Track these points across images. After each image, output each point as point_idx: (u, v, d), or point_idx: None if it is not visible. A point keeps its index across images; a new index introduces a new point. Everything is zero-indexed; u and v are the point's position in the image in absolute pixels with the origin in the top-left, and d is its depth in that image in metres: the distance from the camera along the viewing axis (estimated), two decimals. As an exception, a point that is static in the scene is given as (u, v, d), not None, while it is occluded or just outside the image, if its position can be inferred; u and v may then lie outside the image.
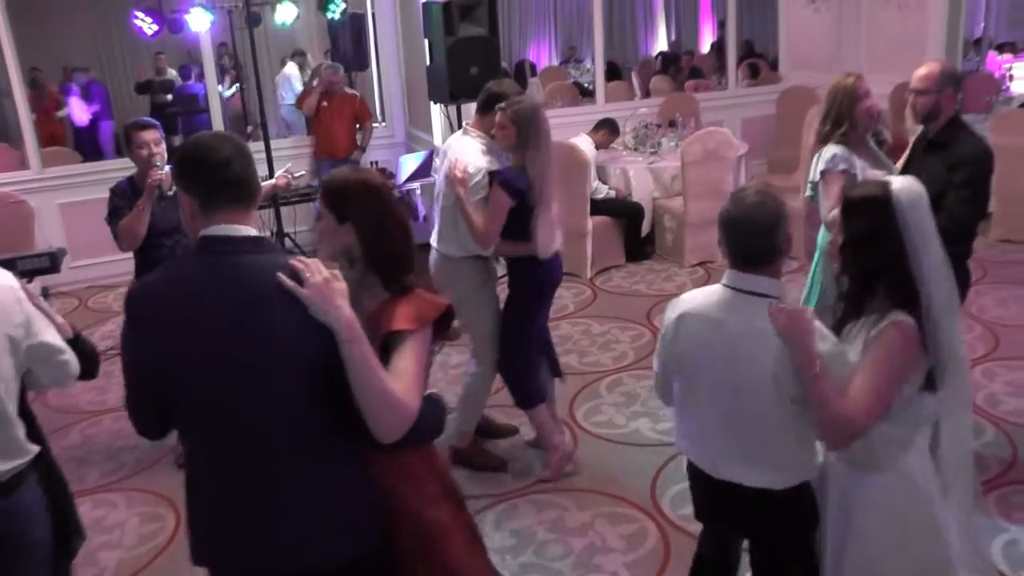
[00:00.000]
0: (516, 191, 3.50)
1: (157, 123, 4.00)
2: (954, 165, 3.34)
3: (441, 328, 2.08)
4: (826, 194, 3.46)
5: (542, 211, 3.54)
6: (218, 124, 7.42)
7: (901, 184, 2.14)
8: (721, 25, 11.86)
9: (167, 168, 3.83)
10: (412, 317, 1.98)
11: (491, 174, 3.60)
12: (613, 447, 4.16)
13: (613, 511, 3.63)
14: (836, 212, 2.39)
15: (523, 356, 3.87)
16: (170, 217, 3.63)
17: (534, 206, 3.53)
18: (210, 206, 1.84)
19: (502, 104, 3.57)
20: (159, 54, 9.39)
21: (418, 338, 1.96)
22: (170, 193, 3.81)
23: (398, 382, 1.85)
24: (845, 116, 3.52)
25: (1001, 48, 11.13)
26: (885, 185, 2.15)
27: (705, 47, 12.39)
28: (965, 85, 8.57)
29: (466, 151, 3.72)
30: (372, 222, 2.07)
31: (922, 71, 3.47)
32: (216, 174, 1.82)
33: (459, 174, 3.58)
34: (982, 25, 11.55)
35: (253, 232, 1.86)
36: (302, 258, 1.83)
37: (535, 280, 3.77)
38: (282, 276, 1.76)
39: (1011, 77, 9.42)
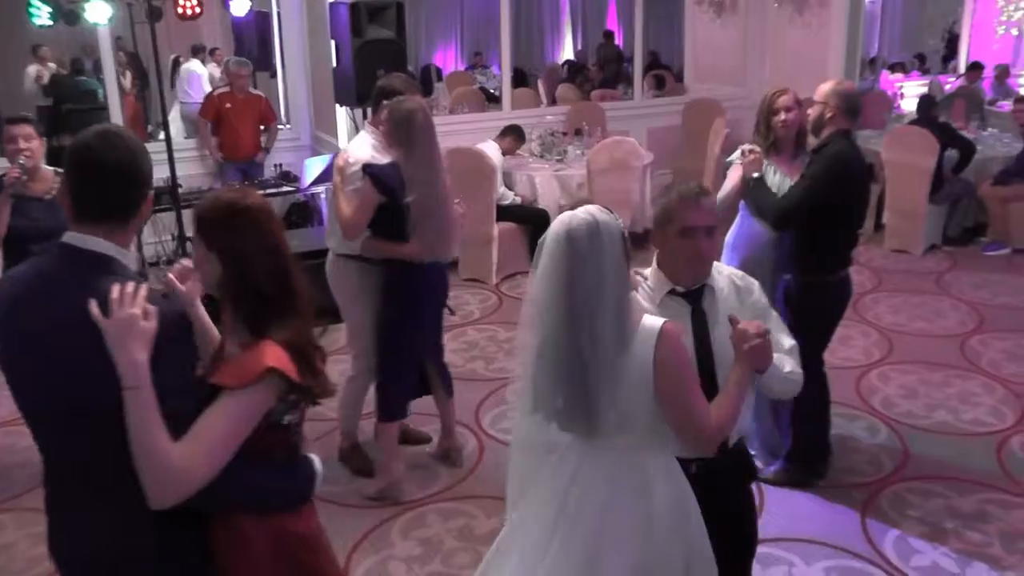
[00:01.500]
0: (384, 187, 3.52)
1: (32, 119, 3.83)
2: (809, 164, 3.63)
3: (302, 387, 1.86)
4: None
5: (423, 215, 3.53)
6: (117, 123, 7.15)
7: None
8: (607, 35, 12.29)
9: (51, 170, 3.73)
10: (236, 372, 1.77)
11: (365, 167, 3.62)
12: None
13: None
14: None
15: (390, 366, 3.80)
16: (44, 224, 3.48)
17: (408, 206, 3.52)
18: (78, 212, 1.77)
19: (386, 101, 3.66)
20: (39, 47, 8.94)
21: (237, 397, 1.74)
22: (47, 197, 3.66)
23: (189, 443, 1.68)
24: (765, 127, 3.81)
25: (893, 68, 11.90)
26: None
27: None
28: (862, 102, 9.16)
29: (354, 145, 3.86)
30: (234, 252, 1.84)
31: (820, 85, 3.73)
32: (89, 178, 1.76)
33: (340, 163, 3.70)
34: (876, 45, 12.29)
35: (103, 248, 1.75)
36: (127, 287, 1.67)
37: (408, 287, 3.69)
38: (93, 304, 1.64)
39: (902, 95, 10.08)
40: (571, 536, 2.15)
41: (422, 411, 4.23)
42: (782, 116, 3.73)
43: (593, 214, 2.01)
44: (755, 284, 2.41)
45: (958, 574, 3.32)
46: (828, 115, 3.60)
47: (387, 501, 3.83)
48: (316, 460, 2.04)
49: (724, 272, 2.40)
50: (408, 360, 3.82)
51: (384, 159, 3.67)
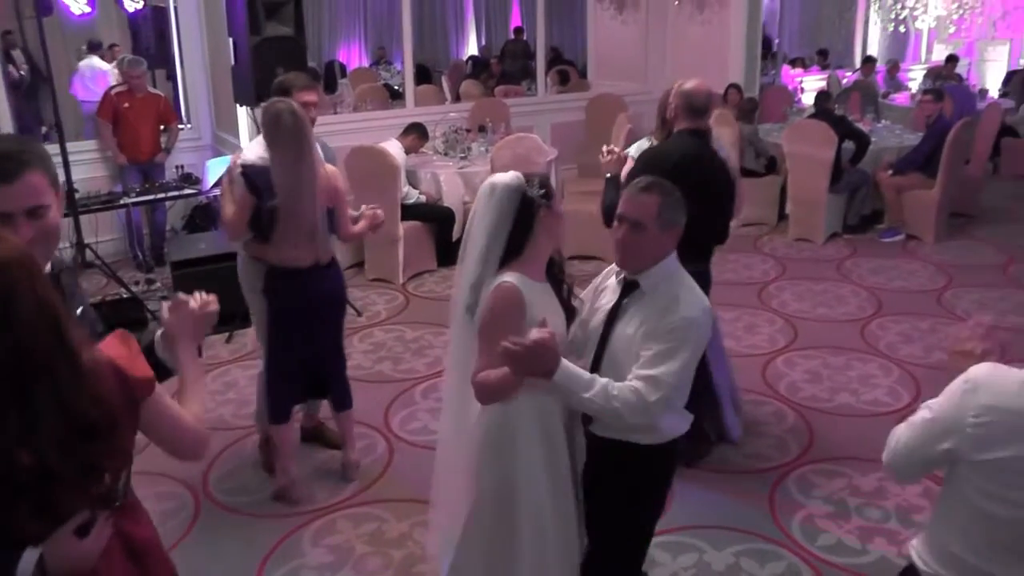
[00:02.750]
0: (252, 186, 3.51)
1: None
2: None
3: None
4: None
5: (284, 219, 3.49)
6: (6, 125, 6.77)
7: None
8: (517, 31, 12.39)
9: None
10: None
11: (243, 167, 3.59)
12: (430, 454, 4.16)
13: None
14: None
15: (268, 369, 3.83)
16: None
17: (274, 208, 3.49)
18: None
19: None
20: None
21: None
22: None
23: None
24: (662, 121, 4.01)
25: (793, 63, 12.36)
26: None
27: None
28: (763, 97, 9.51)
29: (250, 145, 3.86)
30: None
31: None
32: None
33: (231, 164, 3.68)
34: (776, 41, 12.74)
35: None
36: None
37: (275, 290, 3.69)
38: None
39: (802, 89, 10.48)
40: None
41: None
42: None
43: (499, 178, 2.44)
44: (685, 313, 2.29)
45: (860, 550, 3.46)
46: (671, 115, 3.81)
47: (287, 502, 3.81)
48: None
49: (674, 285, 2.38)
50: (283, 364, 3.79)
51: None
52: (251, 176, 3.51)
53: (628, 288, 2.42)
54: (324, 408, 4.20)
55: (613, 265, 2.53)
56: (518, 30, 12.75)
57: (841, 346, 5.34)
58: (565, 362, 2.19)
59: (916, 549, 1.98)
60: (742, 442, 4.22)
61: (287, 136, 3.44)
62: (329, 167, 3.66)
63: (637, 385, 2.24)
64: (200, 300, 1.96)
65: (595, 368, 2.39)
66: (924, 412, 1.88)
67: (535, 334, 2.12)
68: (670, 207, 2.36)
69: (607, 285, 2.53)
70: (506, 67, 11.29)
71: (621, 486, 2.49)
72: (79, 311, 1.89)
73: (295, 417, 4.05)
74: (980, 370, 1.78)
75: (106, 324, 2.00)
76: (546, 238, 2.44)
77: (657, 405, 2.25)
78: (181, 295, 1.95)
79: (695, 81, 3.77)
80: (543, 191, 2.41)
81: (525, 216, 2.37)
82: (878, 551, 3.45)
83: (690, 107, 3.71)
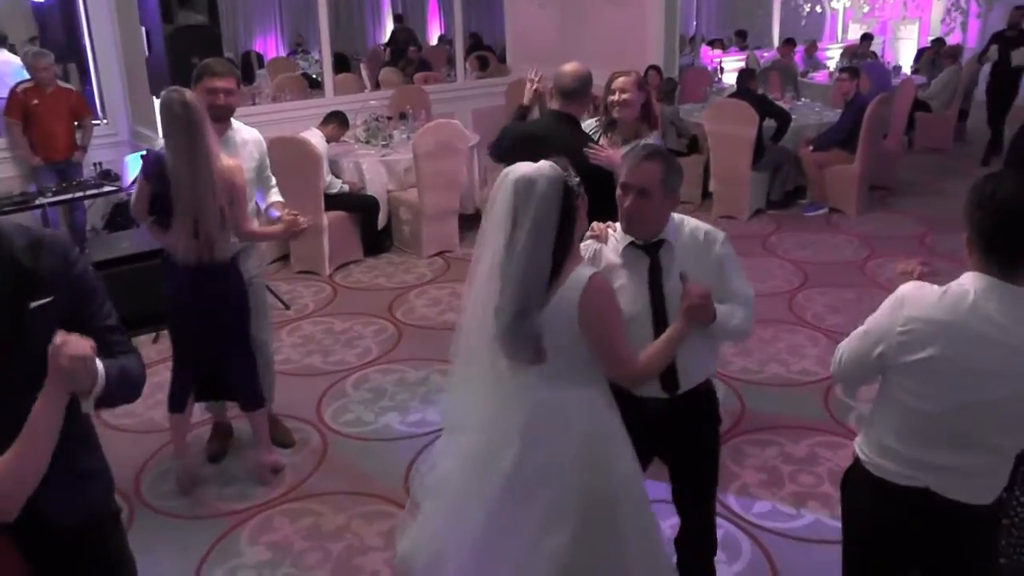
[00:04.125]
0: (145, 171, 3.58)
1: None
2: None
3: None
4: None
5: (176, 210, 3.46)
6: None
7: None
8: (398, 18, 12.29)
9: None
10: None
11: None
12: (363, 445, 4.21)
13: (369, 510, 3.69)
14: None
15: (173, 354, 3.87)
16: None
17: (166, 195, 3.47)
18: None
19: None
20: None
21: None
22: None
23: None
24: (604, 107, 4.03)
25: (713, 44, 12.62)
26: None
27: (434, 39, 12.80)
28: (684, 78, 9.69)
29: None
30: None
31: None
32: None
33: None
34: (694, 23, 12.99)
35: None
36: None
37: (167, 281, 3.69)
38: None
39: (722, 70, 10.71)
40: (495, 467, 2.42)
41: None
42: (616, 96, 3.88)
43: (538, 168, 2.30)
44: (720, 236, 2.59)
45: (794, 515, 3.60)
46: (548, 97, 3.95)
47: (315, 486, 3.89)
48: None
49: (688, 226, 2.59)
50: (179, 356, 3.79)
51: None
52: (147, 161, 3.61)
53: (654, 249, 2.53)
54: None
55: (590, 242, 2.61)
56: (399, 17, 12.74)
57: (769, 319, 5.50)
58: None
59: (859, 444, 2.26)
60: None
61: (176, 126, 3.40)
62: (230, 161, 3.56)
63: (745, 304, 2.57)
64: (66, 342, 1.63)
65: (663, 327, 2.50)
66: (861, 328, 2.19)
67: (698, 288, 2.39)
68: (672, 174, 2.50)
69: (604, 266, 2.55)
70: (393, 55, 11.33)
71: (705, 434, 2.76)
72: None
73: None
74: (906, 288, 2.08)
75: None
76: (581, 228, 2.46)
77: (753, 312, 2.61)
78: (60, 335, 1.65)
79: (572, 64, 3.84)
80: (578, 179, 2.38)
81: (569, 209, 2.31)
82: (812, 514, 3.59)
83: (558, 89, 3.81)
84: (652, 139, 3.78)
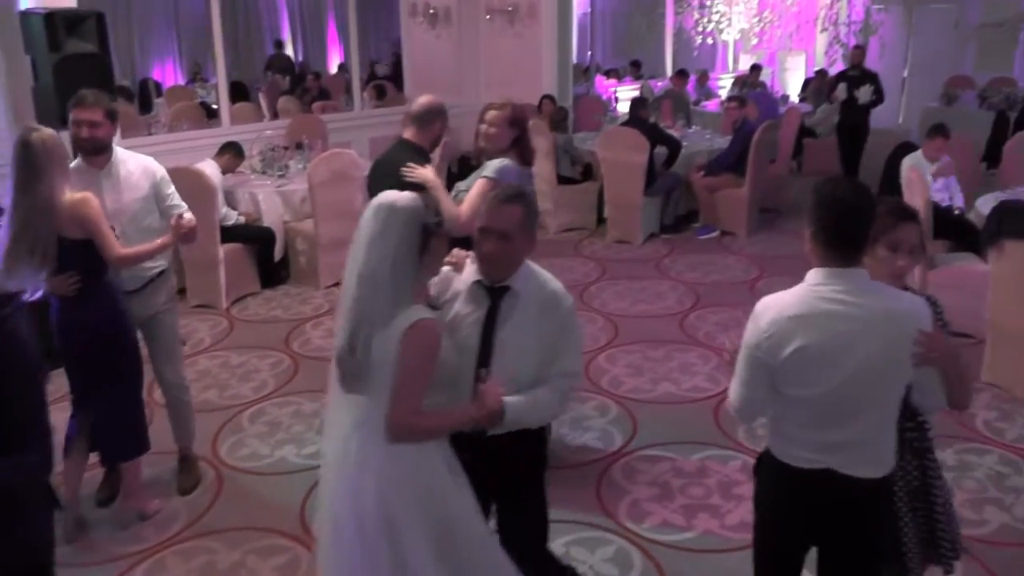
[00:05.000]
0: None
1: None
2: None
3: None
4: None
5: (17, 249, 3.37)
6: None
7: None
8: (278, 44, 12.29)
9: None
10: None
11: None
12: (259, 479, 4.17)
13: (264, 544, 3.65)
14: None
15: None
16: None
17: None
18: None
19: None
20: None
21: None
22: None
23: None
24: (476, 137, 4.10)
25: (608, 74, 12.99)
26: None
27: (333, 68, 12.79)
28: (578, 107, 9.95)
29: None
30: None
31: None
32: None
33: None
34: (589, 53, 13.35)
35: None
36: None
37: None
38: None
39: (617, 99, 11.03)
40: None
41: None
42: (483, 128, 3.97)
43: (398, 197, 2.32)
44: (566, 301, 2.54)
45: (685, 526, 3.72)
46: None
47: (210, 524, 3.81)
48: None
49: (540, 279, 2.55)
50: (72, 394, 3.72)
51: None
52: None
53: (498, 293, 2.48)
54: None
55: (443, 274, 2.57)
56: (278, 43, 12.72)
57: (661, 339, 5.68)
58: (507, 399, 2.39)
59: (768, 437, 2.45)
60: (568, 437, 4.44)
61: (13, 165, 3.36)
62: (76, 195, 3.42)
63: (558, 383, 2.51)
64: None
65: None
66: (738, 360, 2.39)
67: (490, 396, 2.37)
68: (531, 215, 2.50)
69: (451, 295, 2.55)
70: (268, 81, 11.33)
71: (522, 478, 2.70)
72: None
73: None
74: (760, 303, 2.31)
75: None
76: (433, 265, 2.45)
77: (573, 391, 2.54)
78: None
79: (427, 96, 4.08)
80: (438, 218, 2.39)
81: (423, 243, 2.32)
82: (702, 526, 3.71)
83: (408, 117, 4.02)
84: (491, 170, 3.75)
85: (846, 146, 9.69)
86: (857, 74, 9.44)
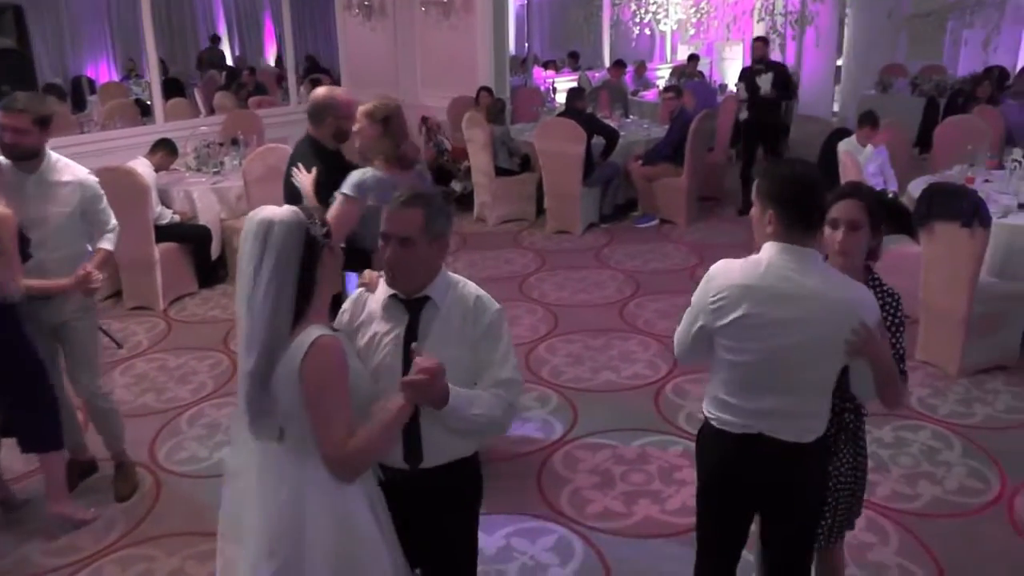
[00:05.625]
0: None
1: None
2: None
3: None
4: None
5: None
6: None
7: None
8: (213, 39, 12.17)
9: None
10: None
11: None
12: (198, 482, 4.09)
13: (203, 549, 3.55)
14: None
15: None
16: None
17: None
18: None
19: None
20: None
21: None
22: None
23: None
24: None
25: (546, 65, 12.98)
26: None
27: (271, 62, 12.59)
28: (516, 98, 9.93)
29: None
30: None
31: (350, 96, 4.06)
32: None
33: None
34: (526, 45, 13.32)
35: None
36: None
37: None
38: None
39: (554, 90, 11.02)
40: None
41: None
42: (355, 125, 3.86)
43: (274, 213, 2.11)
44: (492, 307, 2.35)
45: (626, 513, 3.74)
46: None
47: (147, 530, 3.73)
48: None
49: (461, 289, 2.35)
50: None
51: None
52: None
53: (416, 305, 2.29)
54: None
55: (358, 292, 2.41)
56: (214, 38, 12.50)
57: (601, 328, 5.70)
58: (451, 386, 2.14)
59: (704, 405, 2.52)
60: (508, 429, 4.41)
61: None
62: None
63: (498, 391, 2.26)
64: None
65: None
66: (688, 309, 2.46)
67: (426, 362, 2.07)
68: (436, 217, 2.26)
69: (366, 316, 2.36)
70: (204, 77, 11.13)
71: (452, 522, 2.45)
72: None
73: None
74: (714, 267, 2.39)
75: None
76: (328, 281, 2.23)
77: (517, 402, 2.34)
78: None
79: (321, 89, 4.05)
80: (325, 228, 2.18)
81: (311, 258, 2.11)
82: (643, 512, 3.74)
83: (308, 112, 3.98)
84: (348, 185, 3.56)
85: (752, 146, 8.63)
86: (762, 68, 8.69)
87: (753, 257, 2.34)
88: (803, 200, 2.28)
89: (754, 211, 2.37)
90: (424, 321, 2.28)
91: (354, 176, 3.57)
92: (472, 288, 2.37)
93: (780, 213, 2.28)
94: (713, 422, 2.45)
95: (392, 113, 3.73)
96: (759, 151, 8.60)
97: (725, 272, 2.35)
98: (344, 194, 3.54)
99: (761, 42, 8.82)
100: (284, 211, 2.12)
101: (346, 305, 2.41)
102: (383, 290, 2.34)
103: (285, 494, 2.16)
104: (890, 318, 2.50)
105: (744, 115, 8.86)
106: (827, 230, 2.45)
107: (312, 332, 2.08)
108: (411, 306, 2.29)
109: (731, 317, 2.29)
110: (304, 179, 3.74)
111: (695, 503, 2.62)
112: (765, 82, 8.44)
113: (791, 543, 2.54)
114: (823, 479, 2.56)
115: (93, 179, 3.79)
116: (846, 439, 2.60)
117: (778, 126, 8.97)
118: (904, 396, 2.63)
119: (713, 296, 2.33)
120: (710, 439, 2.49)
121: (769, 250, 2.31)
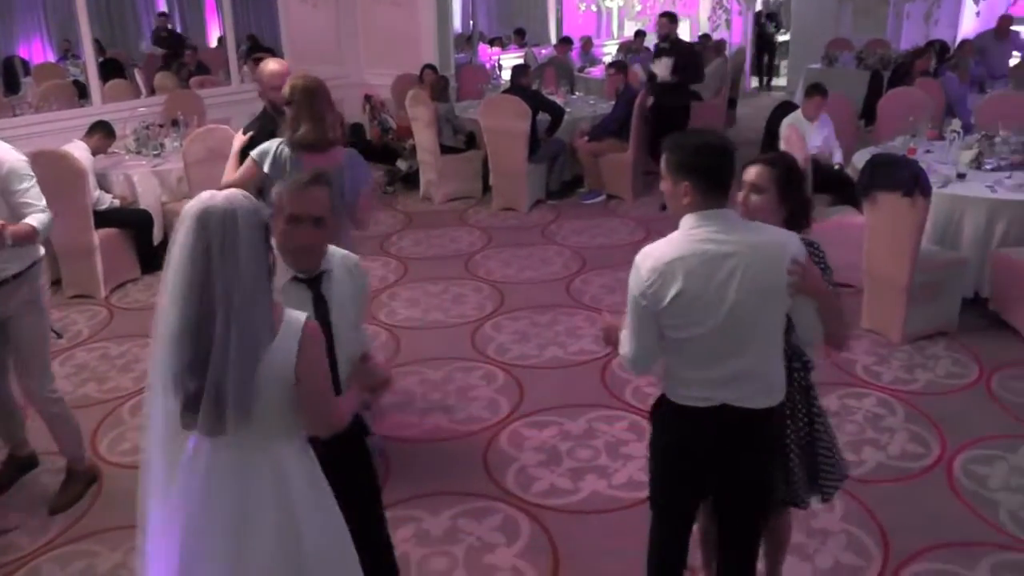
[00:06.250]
0: None
1: None
2: None
3: None
4: None
5: None
6: None
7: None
8: (161, 15, 11.79)
9: None
10: None
11: None
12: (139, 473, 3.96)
13: (147, 541, 3.48)
14: None
15: None
16: None
17: None
18: None
19: None
20: None
21: None
22: None
23: None
24: None
25: (493, 42, 12.83)
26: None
27: (213, 41, 12.25)
28: (461, 76, 9.80)
29: None
30: None
31: (279, 68, 4.14)
32: None
33: None
34: (471, 22, 13.15)
35: None
36: None
37: None
38: None
39: (500, 67, 10.90)
40: (212, 537, 2.15)
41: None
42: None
43: (230, 200, 1.99)
44: (358, 260, 2.55)
45: (572, 489, 3.71)
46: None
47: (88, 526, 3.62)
48: None
49: (338, 255, 2.49)
50: None
51: None
52: None
53: (316, 282, 2.42)
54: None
55: None
56: (162, 15, 12.13)
57: (547, 304, 5.66)
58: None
59: (663, 387, 2.47)
60: (454, 409, 4.38)
61: None
62: None
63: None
64: None
65: (333, 360, 2.32)
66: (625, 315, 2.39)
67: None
68: (332, 193, 2.39)
69: None
70: (167, 59, 10.81)
71: (365, 469, 2.69)
72: None
73: None
74: (638, 255, 2.31)
75: None
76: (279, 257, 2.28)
77: None
78: None
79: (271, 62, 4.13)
80: (269, 210, 2.21)
81: (268, 242, 2.06)
82: (589, 488, 3.71)
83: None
84: (256, 151, 3.64)
85: (655, 132, 7.74)
86: (667, 46, 7.88)
87: (673, 235, 2.31)
88: (717, 167, 2.27)
89: (666, 186, 2.33)
90: (326, 292, 2.42)
91: (264, 144, 3.64)
92: (344, 253, 2.54)
93: (696, 183, 2.26)
94: (673, 399, 2.41)
95: (296, 92, 3.61)
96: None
97: (650, 255, 2.29)
98: (251, 156, 3.64)
99: (666, 19, 7.97)
100: (222, 199, 2.00)
101: None
102: (276, 275, 2.19)
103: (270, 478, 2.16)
104: (820, 263, 2.52)
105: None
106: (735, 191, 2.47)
107: (296, 315, 2.10)
108: (312, 283, 2.41)
109: (671, 294, 2.24)
110: (236, 141, 3.81)
111: (650, 476, 2.59)
112: (663, 67, 7.79)
113: (747, 513, 2.54)
114: (783, 444, 2.58)
115: (18, 157, 3.47)
116: (800, 398, 2.61)
117: (678, 109, 7.97)
118: (849, 328, 2.71)
119: (646, 280, 2.26)
120: (670, 417, 2.45)
121: (689, 221, 2.29)
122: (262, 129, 3.98)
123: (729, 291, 2.23)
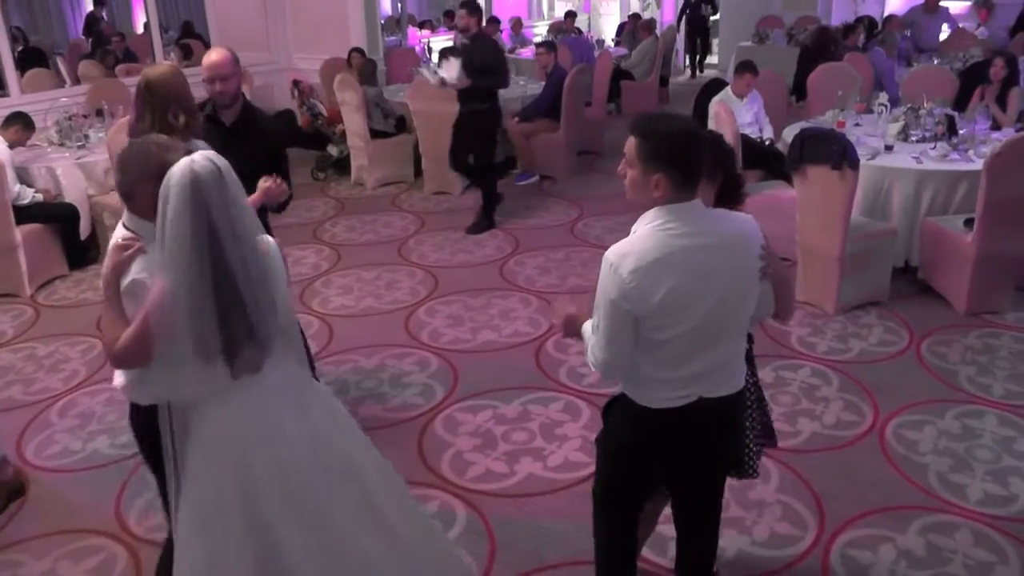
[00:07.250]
0: None
1: None
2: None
3: None
4: None
5: None
6: None
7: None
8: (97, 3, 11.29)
9: None
10: None
11: None
12: (71, 477, 3.79)
13: (76, 547, 3.31)
14: None
15: None
16: None
17: None
18: None
19: None
20: None
21: None
22: None
23: None
24: None
25: (423, 25, 12.60)
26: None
27: (139, 27, 11.79)
28: (390, 59, 9.59)
29: None
30: None
31: (216, 57, 3.59)
32: None
33: None
34: (399, 5, 12.88)
35: None
36: None
37: None
38: None
39: (430, 50, 10.70)
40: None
41: None
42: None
43: (212, 160, 2.12)
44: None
45: (508, 473, 3.66)
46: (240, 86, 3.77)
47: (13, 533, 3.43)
48: None
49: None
50: None
51: None
52: None
53: None
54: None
55: (119, 260, 2.40)
56: (97, 2, 11.63)
57: (481, 287, 5.57)
58: None
59: (626, 389, 2.34)
60: (388, 396, 4.28)
61: None
62: None
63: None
64: None
65: None
66: (594, 320, 2.21)
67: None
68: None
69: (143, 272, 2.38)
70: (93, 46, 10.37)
71: None
72: None
73: None
74: (611, 253, 2.13)
75: None
76: None
77: None
78: None
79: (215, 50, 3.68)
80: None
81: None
82: (525, 471, 3.66)
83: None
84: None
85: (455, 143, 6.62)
86: (467, 42, 6.38)
87: (644, 230, 2.14)
88: (695, 159, 2.11)
89: (633, 174, 2.16)
90: None
91: None
92: None
93: (671, 175, 2.08)
94: (647, 404, 2.26)
95: (141, 87, 3.29)
96: (470, 156, 6.59)
97: (628, 255, 2.10)
98: None
99: (465, 10, 6.33)
100: (215, 157, 2.15)
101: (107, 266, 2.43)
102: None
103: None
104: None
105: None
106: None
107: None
108: None
109: (658, 296, 2.08)
110: None
111: (600, 475, 2.52)
112: (451, 69, 6.33)
113: (710, 501, 2.51)
114: (743, 425, 2.54)
115: None
116: (750, 371, 2.56)
117: (479, 114, 6.43)
118: (793, 299, 2.66)
119: (629, 281, 2.07)
120: (633, 419, 2.31)
121: (660, 215, 2.12)
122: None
123: (712, 287, 2.12)
